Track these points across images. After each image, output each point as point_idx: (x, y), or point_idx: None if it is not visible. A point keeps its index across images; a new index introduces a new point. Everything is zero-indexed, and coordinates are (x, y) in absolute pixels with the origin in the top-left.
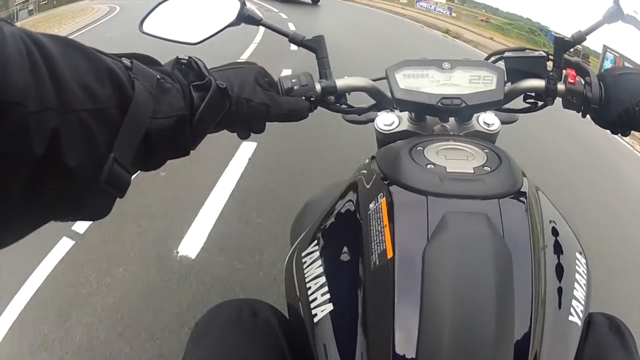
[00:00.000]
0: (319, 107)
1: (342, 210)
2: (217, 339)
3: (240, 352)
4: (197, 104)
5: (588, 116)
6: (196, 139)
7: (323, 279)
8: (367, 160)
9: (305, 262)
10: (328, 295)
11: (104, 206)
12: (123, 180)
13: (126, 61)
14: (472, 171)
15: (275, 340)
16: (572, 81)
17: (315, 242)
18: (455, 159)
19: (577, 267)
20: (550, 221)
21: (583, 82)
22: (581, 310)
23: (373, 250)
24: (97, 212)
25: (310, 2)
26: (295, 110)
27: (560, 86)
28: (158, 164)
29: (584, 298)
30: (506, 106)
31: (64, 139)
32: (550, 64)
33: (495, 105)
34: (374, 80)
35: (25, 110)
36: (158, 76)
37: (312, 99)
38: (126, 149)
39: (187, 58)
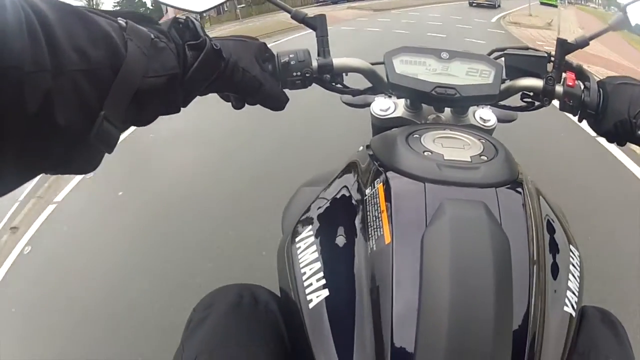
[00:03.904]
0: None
1: (337, 196)
2: (218, 323)
3: (242, 337)
4: (191, 63)
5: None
6: (187, 98)
7: (318, 265)
8: (361, 148)
9: (300, 247)
10: (323, 281)
11: (93, 161)
12: (112, 137)
13: (121, 21)
14: (470, 160)
15: (276, 326)
16: (570, 84)
17: (310, 227)
18: (452, 147)
19: (571, 259)
20: (545, 213)
21: (582, 87)
22: (575, 302)
23: (370, 235)
24: (86, 167)
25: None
26: (276, 98)
27: (558, 88)
28: (149, 119)
29: (577, 290)
30: (502, 103)
31: (57, 98)
32: (551, 66)
33: (489, 100)
34: (372, 64)
35: (21, 72)
36: (152, 36)
37: (307, 75)
38: (116, 107)
39: (184, 18)
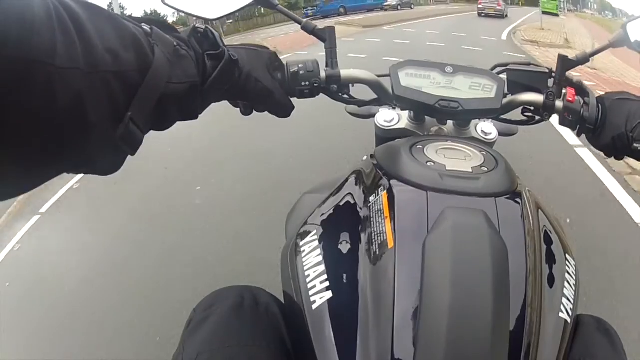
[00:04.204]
0: None
1: (341, 203)
2: (219, 323)
3: (242, 338)
4: (210, 72)
5: None
6: (204, 105)
7: (322, 267)
8: (365, 157)
9: (304, 250)
10: (327, 283)
11: (116, 162)
12: (136, 138)
13: (146, 27)
14: (471, 170)
15: (277, 328)
16: (570, 99)
17: (314, 232)
18: (454, 158)
19: (567, 268)
20: (542, 223)
21: (581, 102)
22: (570, 309)
23: (373, 240)
24: (109, 168)
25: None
26: (283, 106)
27: (558, 103)
28: (168, 125)
29: (573, 298)
30: (504, 117)
31: (88, 96)
32: (552, 81)
33: (491, 114)
34: (378, 76)
35: (51, 68)
36: (175, 43)
37: (315, 85)
38: (142, 110)
39: (204, 27)
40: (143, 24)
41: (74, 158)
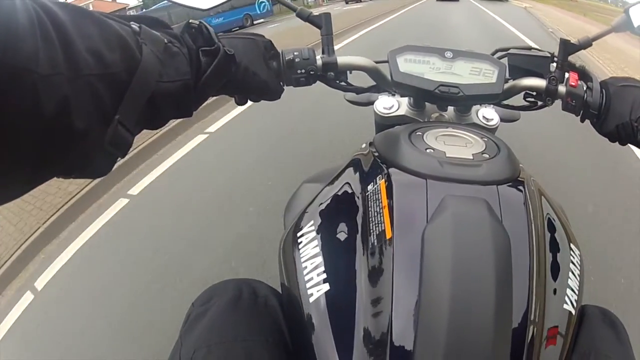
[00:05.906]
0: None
1: (339, 192)
2: (217, 317)
3: (241, 331)
4: (204, 69)
5: None
6: (199, 101)
7: (319, 259)
8: (363, 145)
9: (301, 242)
10: (324, 275)
11: (106, 165)
12: (125, 142)
13: (135, 26)
14: (471, 157)
15: (276, 321)
16: (573, 84)
17: (312, 222)
18: (454, 145)
19: (571, 258)
20: (546, 212)
21: (585, 87)
22: (575, 300)
23: (371, 230)
24: (99, 171)
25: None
26: (274, 92)
27: (561, 88)
28: (161, 123)
29: (577, 288)
30: (505, 103)
31: (73, 102)
32: (554, 66)
33: (492, 99)
34: (376, 62)
35: (35, 75)
36: (165, 40)
37: (311, 72)
38: (131, 111)
39: (197, 23)
40: (132, 23)
41: (62, 164)
